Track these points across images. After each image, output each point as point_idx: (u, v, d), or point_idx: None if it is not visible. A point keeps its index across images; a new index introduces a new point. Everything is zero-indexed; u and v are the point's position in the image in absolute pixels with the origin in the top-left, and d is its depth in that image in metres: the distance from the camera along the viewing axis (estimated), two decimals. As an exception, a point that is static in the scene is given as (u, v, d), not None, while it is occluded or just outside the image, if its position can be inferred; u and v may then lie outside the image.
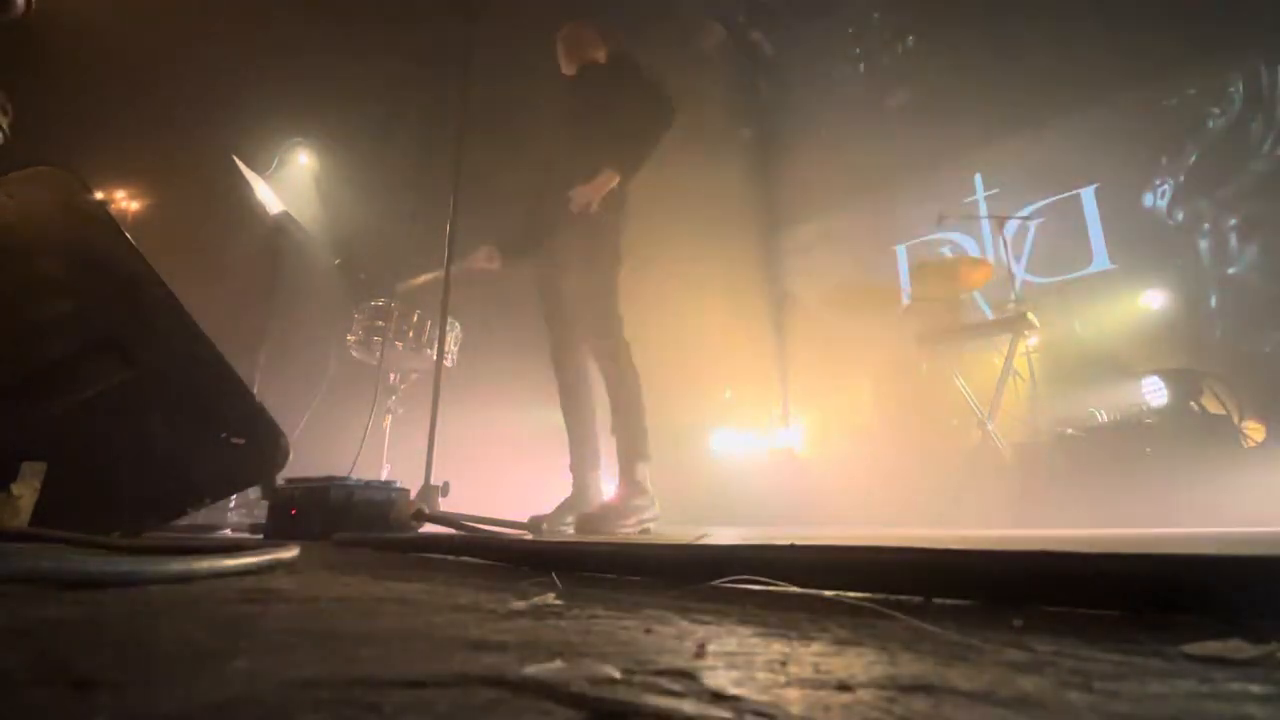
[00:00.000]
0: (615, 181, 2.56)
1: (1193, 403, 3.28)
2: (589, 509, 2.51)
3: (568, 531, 2.42)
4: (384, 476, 3.57)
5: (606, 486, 2.76)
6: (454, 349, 4.00)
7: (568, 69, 2.91)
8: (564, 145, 2.81)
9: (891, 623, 0.50)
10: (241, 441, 1.49)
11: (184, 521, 1.94)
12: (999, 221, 4.12)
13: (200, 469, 1.47)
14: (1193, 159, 4.32)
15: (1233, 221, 4.10)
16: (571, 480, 2.67)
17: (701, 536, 1.73)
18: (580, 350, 2.74)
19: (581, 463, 2.67)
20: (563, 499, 2.61)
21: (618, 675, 0.35)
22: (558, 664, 0.36)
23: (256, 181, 3.73)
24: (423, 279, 3.31)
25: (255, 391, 1.63)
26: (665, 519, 2.54)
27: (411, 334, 3.79)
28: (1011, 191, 5.07)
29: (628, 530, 2.37)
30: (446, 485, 2.61)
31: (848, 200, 6.06)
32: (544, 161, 2.95)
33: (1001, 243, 4.06)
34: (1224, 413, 3.19)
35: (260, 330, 3.78)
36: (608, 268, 2.66)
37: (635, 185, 2.73)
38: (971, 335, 3.94)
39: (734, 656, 0.40)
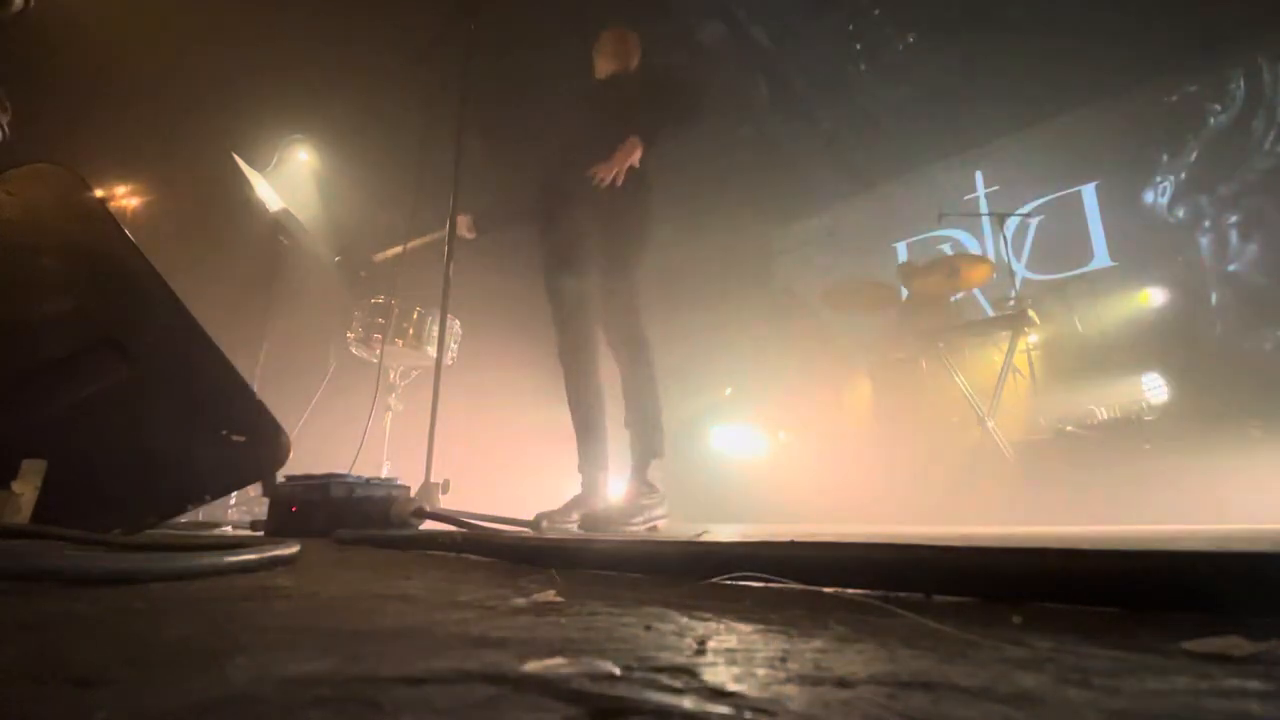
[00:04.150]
0: (639, 150, 2.46)
1: (1192, 400, 3.29)
2: (594, 507, 2.50)
3: (571, 529, 2.41)
4: (384, 474, 3.57)
5: (615, 485, 2.74)
6: (454, 346, 4.00)
7: (602, 70, 2.88)
8: (585, 140, 2.71)
9: (892, 619, 0.50)
10: (242, 439, 1.49)
11: (184, 519, 1.95)
12: (999, 218, 4.12)
13: (200, 466, 1.47)
14: (1194, 156, 4.32)
15: (1233, 219, 4.10)
16: (581, 480, 2.64)
17: (701, 534, 1.73)
18: (592, 347, 2.70)
19: (590, 463, 2.63)
20: (570, 497, 2.59)
21: (617, 672, 0.35)
22: (558, 661, 0.37)
23: (256, 178, 3.72)
24: (394, 251, 3.29)
25: (255, 389, 1.62)
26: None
27: (411, 331, 3.79)
28: (1012, 188, 5.07)
29: (635, 529, 2.35)
30: (447, 483, 2.61)
31: (848, 197, 6.06)
32: (555, 153, 2.90)
33: (1002, 240, 4.06)
34: (1223, 410, 3.19)
35: (260, 327, 3.78)
36: (632, 252, 2.60)
37: (659, 178, 2.69)
38: (972, 332, 3.94)
39: (734, 653, 0.40)
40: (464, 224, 2.96)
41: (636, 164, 2.51)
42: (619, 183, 2.47)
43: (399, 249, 3.26)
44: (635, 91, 2.74)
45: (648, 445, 2.51)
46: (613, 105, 2.75)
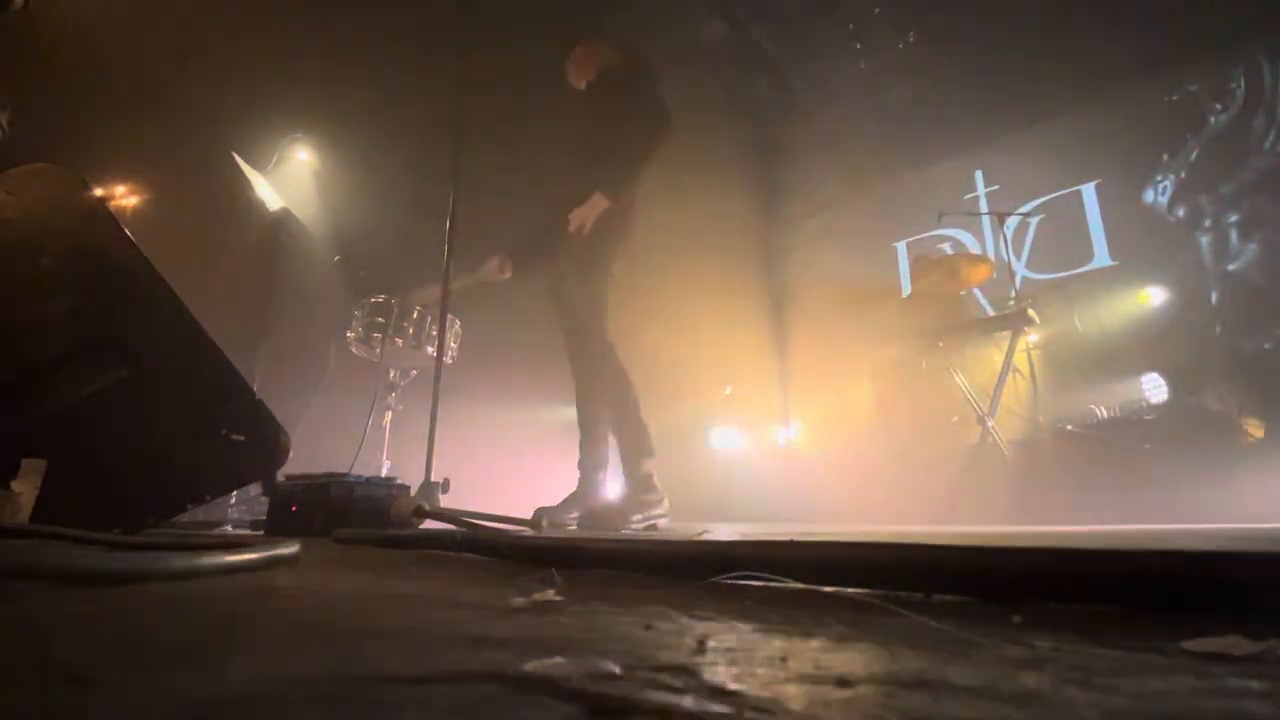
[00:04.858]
0: (604, 205, 2.59)
1: (1192, 399, 3.29)
2: (594, 505, 2.52)
3: (570, 526, 2.42)
4: (384, 473, 3.57)
5: (613, 488, 2.77)
6: (454, 345, 4.00)
7: (579, 84, 2.93)
8: (569, 157, 2.84)
9: (892, 619, 0.50)
10: (242, 438, 1.49)
11: (185, 518, 1.95)
12: (999, 218, 4.12)
13: (201, 466, 1.47)
14: (1194, 155, 4.32)
15: (1234, 218, 4.09)
16: (579, 477, 2.68)
17: (702, 533, 1.73)
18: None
19: (591, 461, 2.67)
20: (567, 494, 2.62)
21: (618, 671, 0.35)
22: (558, 660, 0.36)
23: (256, 178, 3.72)
24: (438, 293, 3.20)
25: (255, 388, 1.62)
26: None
27: (411, 331, 3.79)
28: (1012, 188, 5.06)
29: (634, 527, 2.37)
30: (446, 482, 2.62)
31: (848, 197, 6.06)
32: (552, 168, 2.96)
33: (1002, 239, 4.06)
34: (1223, 409, 3.19)
35: (260, 327, 3.78)
36: (597, 282, 2.70)
37: (640, 197, 2.74)
38: (972, 332, 3.94)
39: (734, 652, 0.40)
40: (496, 265, 2.97)
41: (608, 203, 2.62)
42: (585, 233, 2.60)
43: (439, 293, 3.16)
44: (611, 94, 2.78)
45: (636, 447, 2.56)
46: (591, 112, 2.83)
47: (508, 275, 2.99)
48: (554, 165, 2.92)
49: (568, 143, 2.90)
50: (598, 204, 2.59)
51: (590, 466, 2.67)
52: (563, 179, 2.79)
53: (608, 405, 2.63)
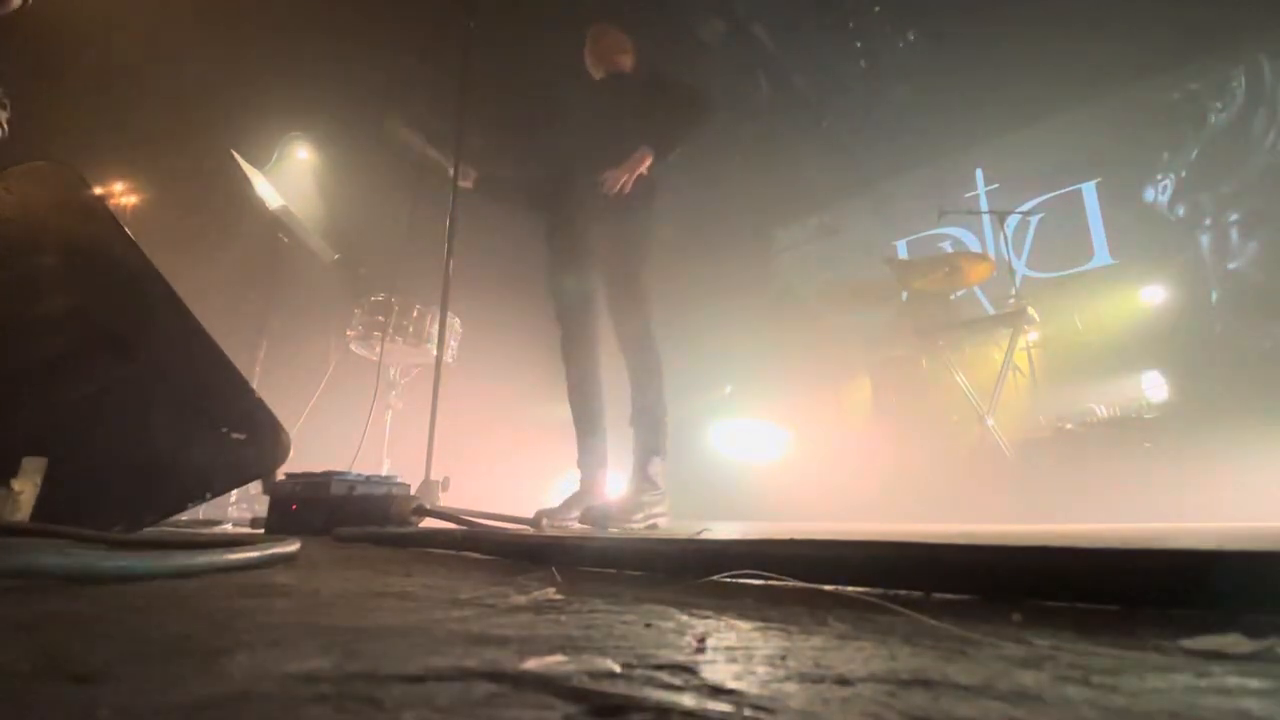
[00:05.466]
0: (648, 161, 2.50)
1: (1192, 398, 3.29)
2: (594, 504, 2.51)
3: (572, 525, 2.42)
4: (384, 472, 3.57)
5: (614, 485, 2.76)
6: (454, 344, 4.01)
7: (595, 71, 2.90)
8: (590, 141, 2.76)
9: (891, 617, 0.50)
10: (242, 436, 1.49)
11: (185, 516, 1.95)
12: (1000, 216, 4.12)
13: (201, 464, 1.47)
14: (1194, 154, 4.31)
15: (1234, 217, 4.09)
16: (580, 477, 2.66)
17: (701, 531, 1.73)
18: (593, 347, 2.72)
19: (590, 460, 2.65)
20: (569, 494, 2.61)
21: (617, 669, 0.35)
22: (558, 658, 0.37)
23: (256, 176, 3.72)
24: (422, 145, 3.17)
25: (255, 386, 1.62)
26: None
27: (411, 329, 3.79)
28: (1012, 186, 5.06)
29: (635, 526, 2.36)
30: (446, 480, 2.62)
31: (848, 195, 6.06)
32: (558, 153, 2.91)
33: (1002, 238, 4.06)
34: (1223, 408, 3.19)
35: (260, 325, 3.78)
36: (639, 252, 2.63)
37: (663, 180, 2.71)
38: (972, 330, 3.94)
39: (733, 651, 0.40)
40: (463, 171, 2.95)
41: (646, 173, 2.53)
42: (627, 190, 2.50)
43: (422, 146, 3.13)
44: (637, 96, 2.74)
45: (651, 443, 2.53)
46: (614, 108, 2.77)
47: (468, 185, 2.96)
48: (574, 145, 2.85)
49: (592, 124, 2.82)
50: (641, 157, 2.48)
51: (590, 465, 2.65)
52: (588, 157, 2.68)
53: (639, 395, 2.56)
